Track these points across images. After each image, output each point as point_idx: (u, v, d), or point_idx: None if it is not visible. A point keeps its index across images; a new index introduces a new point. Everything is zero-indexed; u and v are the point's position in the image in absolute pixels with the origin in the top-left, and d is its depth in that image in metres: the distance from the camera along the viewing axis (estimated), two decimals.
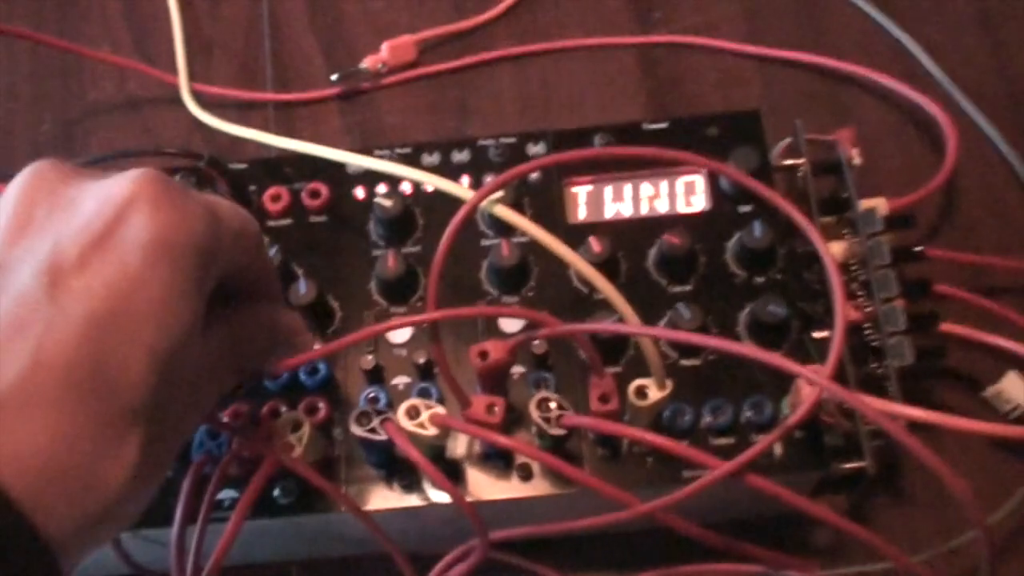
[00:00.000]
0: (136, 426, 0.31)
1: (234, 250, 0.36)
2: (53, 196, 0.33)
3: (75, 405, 0.30)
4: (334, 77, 0.62)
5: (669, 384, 0.42)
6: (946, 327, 0.50)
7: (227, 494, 0.44)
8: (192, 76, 0.63)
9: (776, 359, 0.37)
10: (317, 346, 0.45)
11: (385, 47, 0.62)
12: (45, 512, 0.28)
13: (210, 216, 0.34)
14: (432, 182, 0.44)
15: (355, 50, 0.63)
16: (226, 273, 0.36)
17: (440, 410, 0.41)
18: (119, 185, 0.32)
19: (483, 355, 0.41)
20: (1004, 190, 0.56)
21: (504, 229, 0.48)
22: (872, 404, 0.37)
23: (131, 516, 0.33)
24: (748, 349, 0.38)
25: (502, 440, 0.40)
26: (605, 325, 0.43)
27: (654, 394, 0.42)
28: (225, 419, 0.44)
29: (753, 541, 0.44)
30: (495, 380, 0.44)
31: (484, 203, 0.43)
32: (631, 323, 0.40)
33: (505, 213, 0.43)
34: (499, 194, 0.46)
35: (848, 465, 0.45)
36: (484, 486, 0.44)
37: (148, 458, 0.32)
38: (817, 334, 0.47)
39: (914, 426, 0.38)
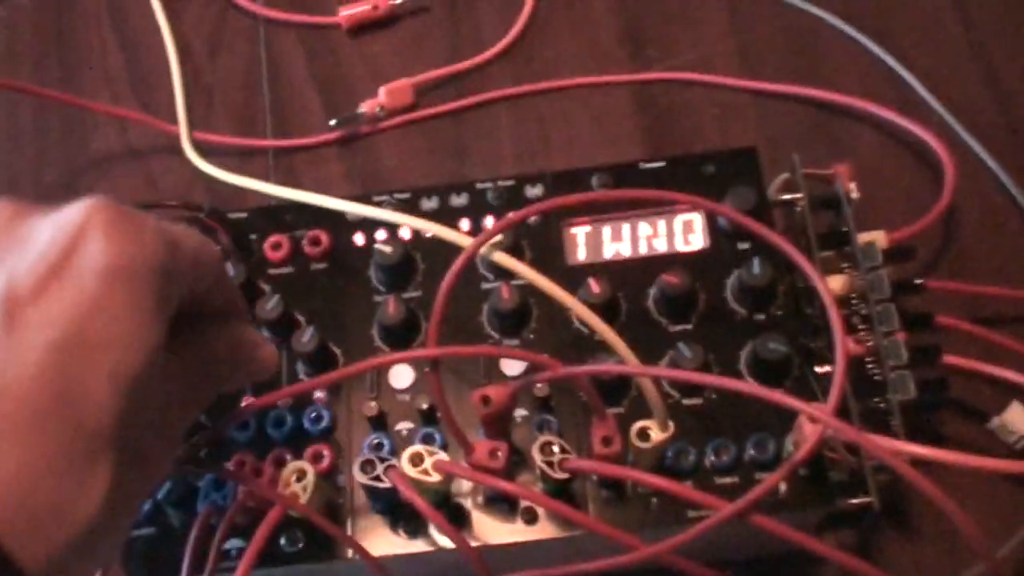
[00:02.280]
0: (104, 453, 0.31)
1: (193, 273, 0.36)
2: (5, 231, 0.32)
3: (39, 435, 0.29)
4: (333, 122, 0.62)
5: (671, 425, 0.42)
6: (948, 359, 0.50)
7: (233, 543, 0.44)
8: (192, 125, 0.63)
9: (778, 396, 0.37)
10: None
11: (383, 91, 0.63)
12: (18, 542, 0.28)
13: (165, 240, 0.33)
14: (431, 229, 0.44)
15: (353, 95, 0.63)
16: (187, 296, 0.36)
17: (443, 456, 0.42)
18: (71, 214, 0.32)
19: (486, 400, 0.41)
20: (1004, 218, 0.56)
21: (504, 273, 0.49)
22: (876, 442, 0.37)
23: (108, 549, 0.33)
24: (749, 387, 0.38)
25: (506, 486, 0.40)
26: (606, 367, 0.43)
27: (656, 436, 0.42)
28: (231, 468, 0.45)
29: None
30: (498, 424, 0.44)
31: (483, 249, 0.43)
32: (631, 364, 0.41)
33: (504, 259, 0.43)
34: (498, 239, 0.46)
35: (854, 501, 0.45)
36: (489, 530, 0.44)
37: (119, 488, 0.31)
38: (820, 369, 0.47)
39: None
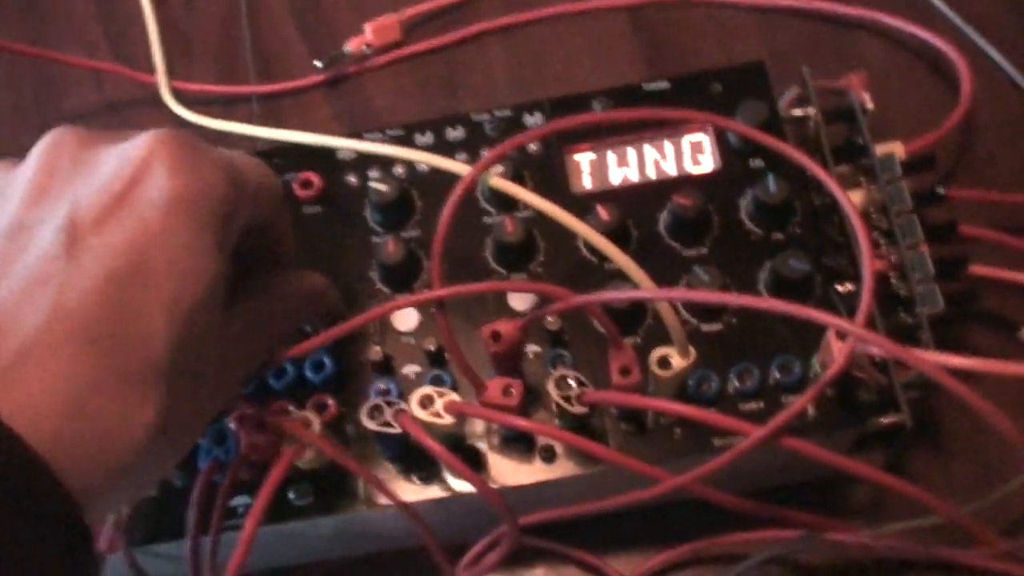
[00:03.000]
0: (156, 383, 0.31)
1: (255, 206, 0.36)
2: (72, 159, 0.33)
3: (93, 359, 0.30)
4: (318, 63, 0.60)
5: (692, 352, 0.40)
6: (975, 269, 0.48)
7: (240, 500, 0.42)
8: (172, 74, 0.61)
9: (804, 310, 0.35)
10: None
11: (368, 28, 0.60)
12: (64, 461, 0.29)
13: (229, 173, 0.34)
14: (426, 160, 0.42)
15: (338, 34, 0.61)
16: (247, 228, 0.37)
17: (454, 397, 0.40)
18: (136, 146, 0.33)
19: (495, 336, 0.39)
20: (1023, 123, 0.54)
21: (507, 205, 0.46)
22: (916, 354, 0.35)
23: (154, 476, 0.35)
24: (772, 303, 0.35)
25: (522, 423, 0.38)
26: (619, 293, 0.41)
27: (677, 363, 0.40)
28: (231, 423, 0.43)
29: (792, 506, 0.42)
30: (510, 361, 0.42)
31: (482, 177, 0.41)
32: (646, 288, 0.38)
33: (504, 185, 0.41)
34: (497, 168, 0.44)
35: (885, 420, 0.43)
36: (507, 472, 0.42)
37: (170, 418, 0.32)
38: (842, 288, 0.45)
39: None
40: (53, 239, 0.31)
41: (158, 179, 0.32)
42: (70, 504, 0.29)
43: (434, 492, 0.42)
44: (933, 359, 0.35)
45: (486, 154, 0.47)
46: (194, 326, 0.32)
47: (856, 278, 0.44)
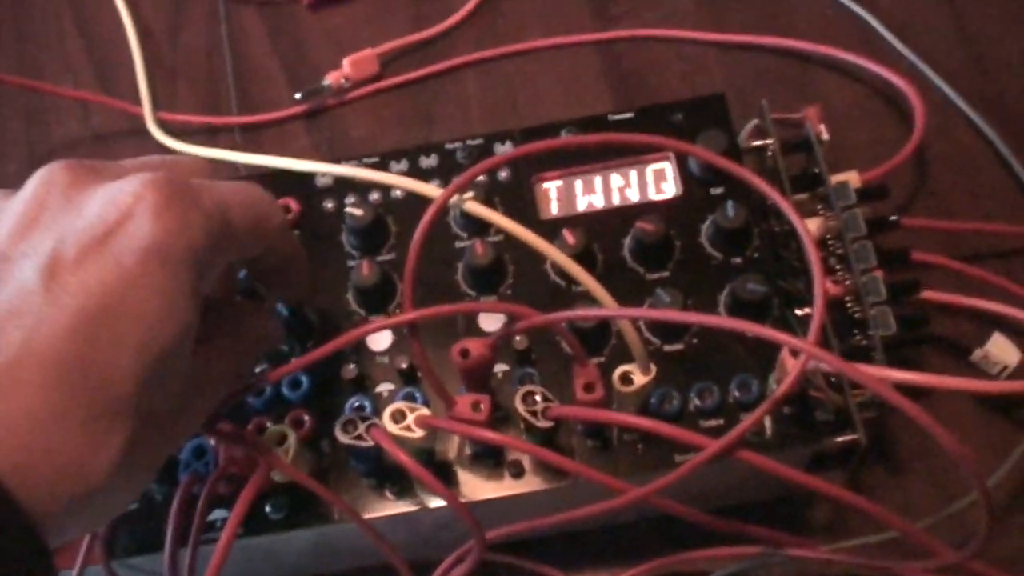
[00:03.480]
0: (122, 420, 0.32)
1: (243, 244, 0.38)
2: (63, 197, 0.34)
3: (60, 393, 0.31)
4: (298, 96, 0.61)
5: (653, 368, 0.42)
6: (928, 294, 0.50)
7: (218, 514, 0.43)
8: (156, 105, 0.62)
9: (757, 328, 0.36)
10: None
11: (347, 62, 0.62)
12: (26, 488, 0.30)
13: (216, 223, 0.35)
14: (400, 184, 0.44)
15: (317, 68, 0.63)
16: (244, 262, 0.39)
17: (425, 412, 0.41)
18: (125, 190, 0.34)
19: (464, 353, 0.41)
20: (974, 155, 0.56)
21: (478, 231, 0.48)
22: (860, 369, 0.36)
23: (118, 507, 0.36)
24: (730, 321, 0.37)
25: (489, 435, 0.39)
26: (583, 312, 0.42)
27: (639, 379, 0.41)
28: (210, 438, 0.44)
29: (753, 523, 0.43)
30: (479, 379, 0.43)
31: (454, 200, 0.43)
32: (609, 307, 0.40)
33: (476, 208, 0.43)
34: (469, 194, 0.45)
35: (840, 439, 0.44)
36: (476, 486, 0.44)
37: (135, 454, 0.33)
38: (800, 312, 0.47)
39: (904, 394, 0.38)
40: (33, 274, 0.32)
41: (139, 226, 0.33)
42: (29, 526, 0.30)
43: (406, 507, 0.43)
44: (878, 374, 0.37)
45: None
46: (163, 367, 0.33)
47: (812, 303, 0.46)
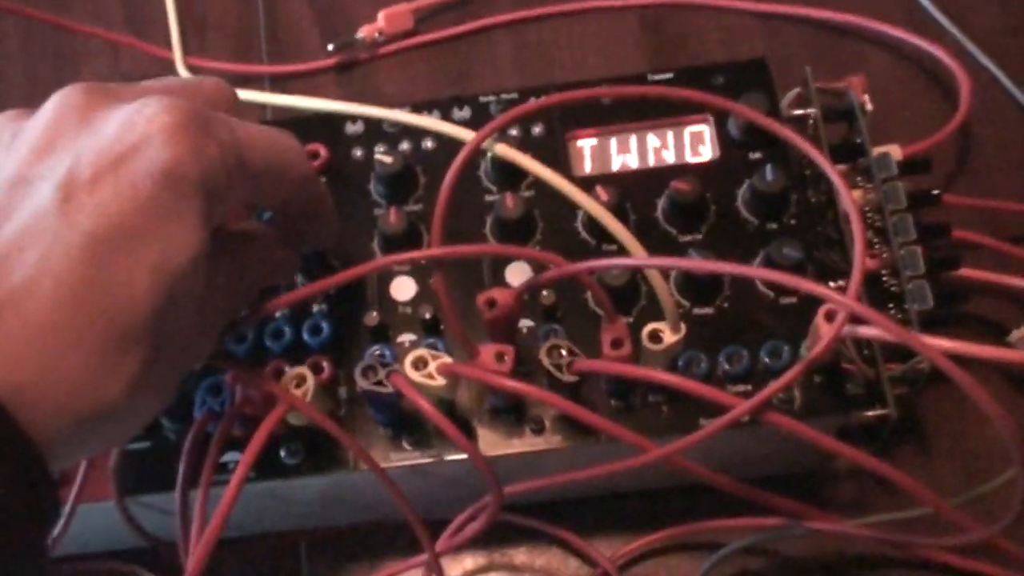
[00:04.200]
0: (136, 343, 0.32)
1: (257, 184, 0.37)
2: (80, 119, 0.34)
3: (75, 313, 0.31)
4: (330, 47, 0.61)
5: (683, 327, 0.41)
6: (967, 272, 0.49)
7: (231, 456, 0.42)
8: (186, 51, 0.62)
9: (796, 279, 0.35)
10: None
11: (381, 16, 0.61)
12: (29, 407, 0.30)
13: (230, 156, 0.35)
14: (432, 127, 0.43)
15: (351, 20, 0.62)
16: (267, 205, 0.39)
17: (447, 359, 0.40)
18: (142, 112, 0.34)
19: (491, 303, 0.40)
20: (1019, 135, 0.55)
21: (508, 184, 0.47)
22: (906, 333, 0.35)
23: (128, 432, 0.36)
24: (764, 272, 0.36)
25: (513, 384, 0.38)
26: (614, 260, 0.41)
27: (668, 338, 0.40)
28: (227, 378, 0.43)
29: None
30: (504, 331, 0.42)
31: (487, 145, 0.42)
32: (640, 256, 0.39)
33: (508, 152, 0.42)
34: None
35: (870, 413, 0.43)
36: (495, 441, 0.43)
37: (149, 376, 0.33)
38: (834, 284, 0.45)
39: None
40: (49, 195, 0.32)
41: (153, 151, 0.33)
42: (30, 449, 0.30)
43: (424, 458, 0.43)
44: (916, 338, 0.35)
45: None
46: (176, 290, 0.33)
47: (848, 275, 0.45)
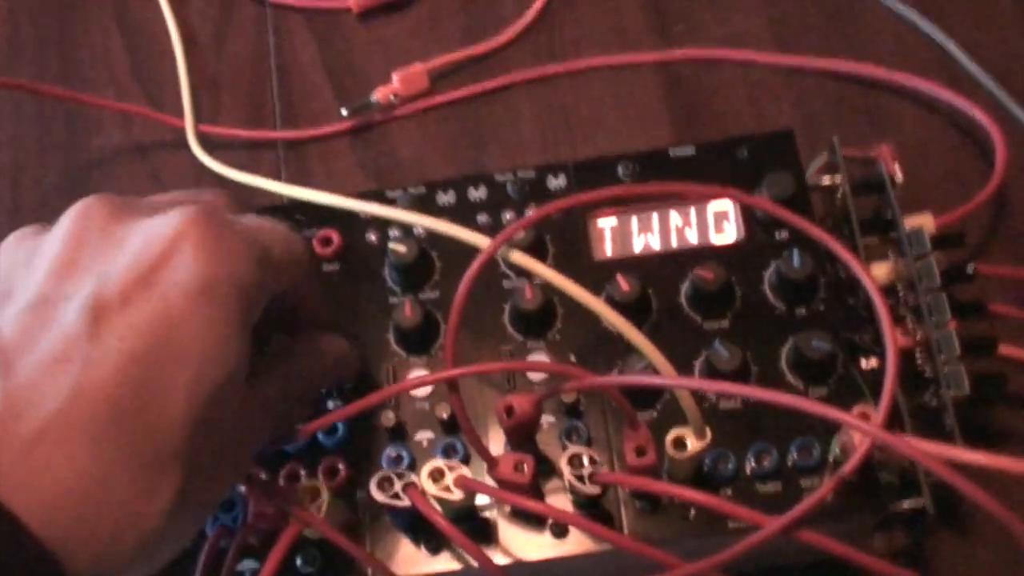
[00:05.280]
0: (173, 469, 0.31)
1: (279, 278, 0.36)
2: (101, 234, 0.33)
3: (111, 443, 0.30)
4: (345, 111, 0.59)
5: (708, 433, 0.39)
6: (1005, 350, 0.47)
7: (247, 565, 0.42)
8: (199, 117, 0.61)
9: (822, 408, 0.34)
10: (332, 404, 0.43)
11: (396, 77, 0.60)
12: (71, 551, 0.29)
13: (256, 252, 0.34)
14: (446, 231, 0.41)
15: (366, 82, 0.60)
16: (272, 300, 0.36)
17: (465, 471, 0.39)
18: (166, 225, 0.33)
19: (509, 411, 0.39)
20: None
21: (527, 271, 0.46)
22: (927, 448, 0.34)
23: (163, 559, 0.34)
24: (790, 399, 0.35)
25: (532, 505, 0.38)
26: (636, 378, 0.40)
27: (693, 444, 0.39)
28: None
29: None
30: (523, 434, 0.41)
31: (501, 250, 0.41)
32: (664, 372, 0.38)
33: (523, 260, 0.40)
34: (519, 234, 0.43)
35: (906, 504, 0.42)
36: (517, 545, 0.41)
37: (185, 502, 0.32)
38: (866, 363, 0.44)
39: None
40: (77, 317, 0.31)
41: (185, 261, 0.32)
42: None
43: (443, 564, 0.41)
44: (947, 453, 0.34)
45: (508, 217, 0.47)
46: (215, 407, 0.32)
47: (880, 354, 0.43)
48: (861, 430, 0.33)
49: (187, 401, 0.31)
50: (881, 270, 0.46)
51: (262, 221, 0.37)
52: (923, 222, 0.46)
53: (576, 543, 0.41)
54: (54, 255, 0.33)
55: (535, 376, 0.44)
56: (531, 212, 0.40)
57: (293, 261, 0.38)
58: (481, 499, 0.42)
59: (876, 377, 0.43)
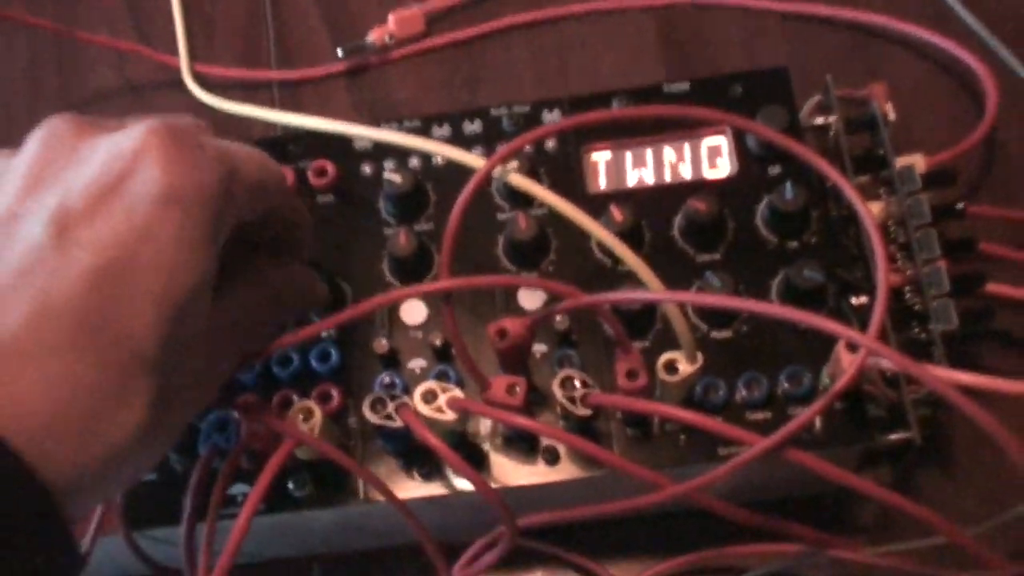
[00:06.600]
0: (144, 378, 0.31)
1: (251, 200, 0.36)
2: (66, 150, 0.33)
3: (79, 354, 0.30)
4: (340, 52, 0.59)
5: (700, 357, 0.40)
6: (993, 288, 0.47)
7: (239, 489, 0.42)
8: (194, 57, 0.60)
9: (816, 320, 0.34)
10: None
11: (392, 19, 0.59)
12: (45, 458, 0.29)
13: (223, 167, 0.34)
14: (441, 152, 0.42)
15: (361, 24, 0.60)
16: (244, 222, 0.36)
17: (458, 393, 0.39)
18: (129, 138, 0.33)
19: (502, 333, 0.39)
20: None
21: (521, 201, 0.46)
22: (926, 369, 0.34)
23: (140, 471, 0.34)
24: (784, 310, 0.35)
25: (524, 422, 0.38)
26: (628, 294, 0.40)
27: (684, 368, 0.39)
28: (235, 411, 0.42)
29: (795, 521, 0.41)
30: (516, 359, 0.41)
31: (498, 172, 0.41)
32: (656, 290, 0.38)
33: (520, 181, 0.40)
34: (513, 164, 0.43)
35: (893, 436, 0.42)
36: (508, 471, 0.42)
37: (158, 414, 0.32)
38: (855, 300, 0.44)
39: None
40: (42, 231, 0.31)
41: (149, 173, 0.32)
42: (47, 499, 0.29)
43: (435, 489, 0.42)
44: (943, 375, 0.34)
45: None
46: (183, 320, 0.32)
47: (870, 291, 0.44)
48: (854, 340, 0.33)
49: (155, 310, 0.31)
50: (873, 208, 0.46)
51: (236, 144, 0.37)
52: (914, 161, 0.47)
53: (567, 469, 0.42)
54: (20, 173, 0.33)
55: (528, 304, 0.44)
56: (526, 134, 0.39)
57: (266, 185, 0.37)
58: (473, 428, 0.42)
59: (866, 313, 0.43)
